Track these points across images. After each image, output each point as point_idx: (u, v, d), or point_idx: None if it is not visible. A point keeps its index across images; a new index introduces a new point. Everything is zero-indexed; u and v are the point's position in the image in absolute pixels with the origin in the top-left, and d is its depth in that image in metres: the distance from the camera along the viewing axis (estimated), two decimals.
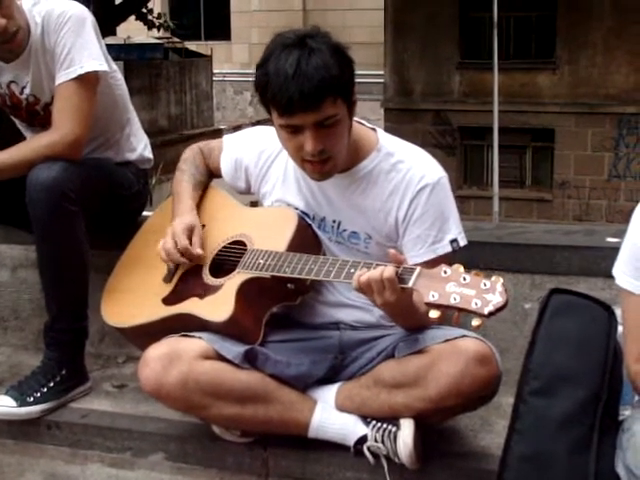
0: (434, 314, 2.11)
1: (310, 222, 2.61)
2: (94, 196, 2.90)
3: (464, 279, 2.10)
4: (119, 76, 3.14)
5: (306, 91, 2.27)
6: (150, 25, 19.98)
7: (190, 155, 2.88)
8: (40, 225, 2.78)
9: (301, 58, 2.28)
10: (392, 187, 2.51)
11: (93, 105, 2.92)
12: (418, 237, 2.49)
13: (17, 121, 3.20)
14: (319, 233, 2.61)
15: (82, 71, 2.86)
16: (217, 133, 17.09)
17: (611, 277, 2.29)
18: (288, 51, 2.30)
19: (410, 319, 2.43)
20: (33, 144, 2.91)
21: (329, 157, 2.40)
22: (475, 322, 2.07)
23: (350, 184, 2.54)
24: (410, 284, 2.18)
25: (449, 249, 2.49)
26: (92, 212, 2.88)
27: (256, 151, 2.71)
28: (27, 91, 3.00)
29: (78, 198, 2.77)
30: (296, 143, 2.39)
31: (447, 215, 2.50)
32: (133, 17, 19.41)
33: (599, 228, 3.39)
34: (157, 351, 2.45)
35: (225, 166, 2.80)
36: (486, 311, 2.06)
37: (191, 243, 2.61)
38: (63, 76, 2.87)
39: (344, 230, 2.58)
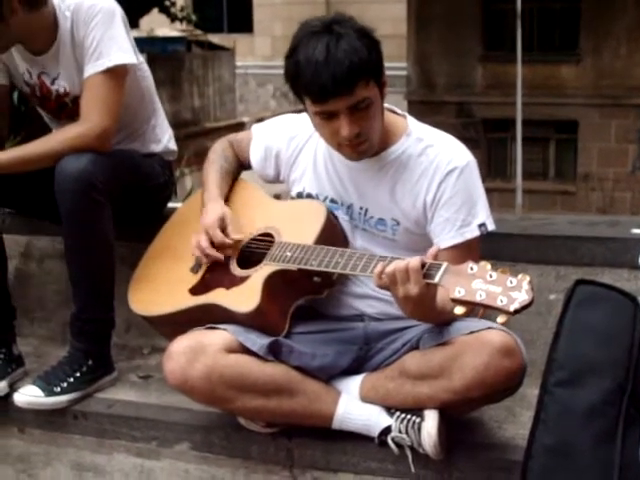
0: (460, 310, 2.11)
1: (339, 213, 2.60)
2: (122, 187, 2.91)
3: (490, 276, 2.10)
4: (146, 67, 3.14)
5: (338, 77, 2.28)
6: (173, 18, 20.02)
7: (219, 147, 2.89)
8: (68, 216, 2.80)
9: (330, 44, 2.29)
10: (421, 171, 2.51)
11: (121, 98, 2.93)
12: (447, 220, 2.48)
13: (43, 113, 3.22)
14: (346, 219, 2.61)
15: (111, 64, 2.87)
16: (240, 126, 17.10)
17: (636, 268, 2.29)
18: (316, 38, 2.32)
19: (428, 318, 2.42)
20: (61, 136, 2.91)
21: (365, 139, 2.42)
22: (500, 319, 2.07)
23: (380, 169, 2.55)
24: (436, 280, 2.18)
25: (477, 233, 2.48)
26: (119, 203, 2.90)
27: (286, 137, 2.72)
28: (58, 82, 3.02)
29: (106, 189, 2.78)
30: (331, 129, 2.41)
31: (475, 199, 2.49)
32: (156, 10, 19.45)
33: (623, 219, 3.37)
34: (181, 344, 2.45)
35: (255, 154, 2.80)
36: (512, 308, 2.06)
37: (226, 234, 2.62)
38: (92, 68, 2.88)
39: (371, 217, 2.58)
